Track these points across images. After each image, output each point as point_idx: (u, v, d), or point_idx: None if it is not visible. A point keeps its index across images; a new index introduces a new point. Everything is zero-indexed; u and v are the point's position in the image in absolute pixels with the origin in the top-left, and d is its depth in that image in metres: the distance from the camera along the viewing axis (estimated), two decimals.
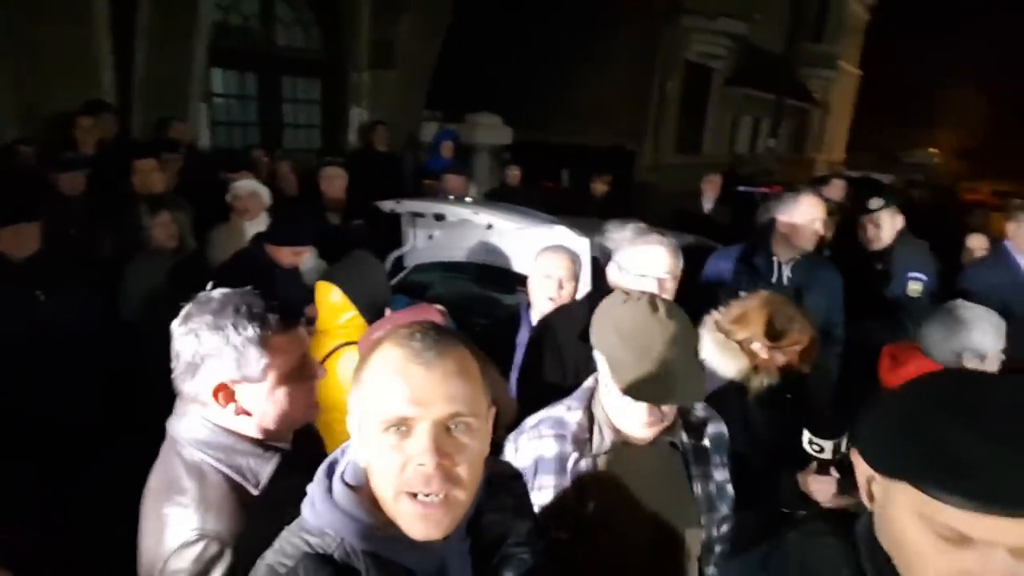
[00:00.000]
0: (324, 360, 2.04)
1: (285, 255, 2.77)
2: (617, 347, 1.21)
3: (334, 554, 0.81)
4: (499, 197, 5.79)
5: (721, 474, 1.34)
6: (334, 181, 3.89)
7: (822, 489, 1.54)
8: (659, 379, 1.16)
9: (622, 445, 1.26)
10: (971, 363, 1.94)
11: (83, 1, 4.76)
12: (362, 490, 0.85)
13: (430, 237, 3.40)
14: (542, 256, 2.23)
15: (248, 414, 1.12)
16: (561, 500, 1.23)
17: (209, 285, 1.16)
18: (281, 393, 1.13)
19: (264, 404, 1.12)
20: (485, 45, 9.52)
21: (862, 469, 0.75)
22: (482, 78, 9.36)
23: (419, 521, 0.80)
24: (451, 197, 3.96)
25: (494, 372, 1.65)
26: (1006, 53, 32.15)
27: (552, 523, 1.20)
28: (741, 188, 8.56)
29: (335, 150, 6.39)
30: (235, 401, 1.11)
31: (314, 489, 0.86)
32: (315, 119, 6.76)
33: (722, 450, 1.36)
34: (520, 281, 2.67)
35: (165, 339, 1.12)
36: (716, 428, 1.37)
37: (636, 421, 1.22)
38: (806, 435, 1.55)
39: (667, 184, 12.20)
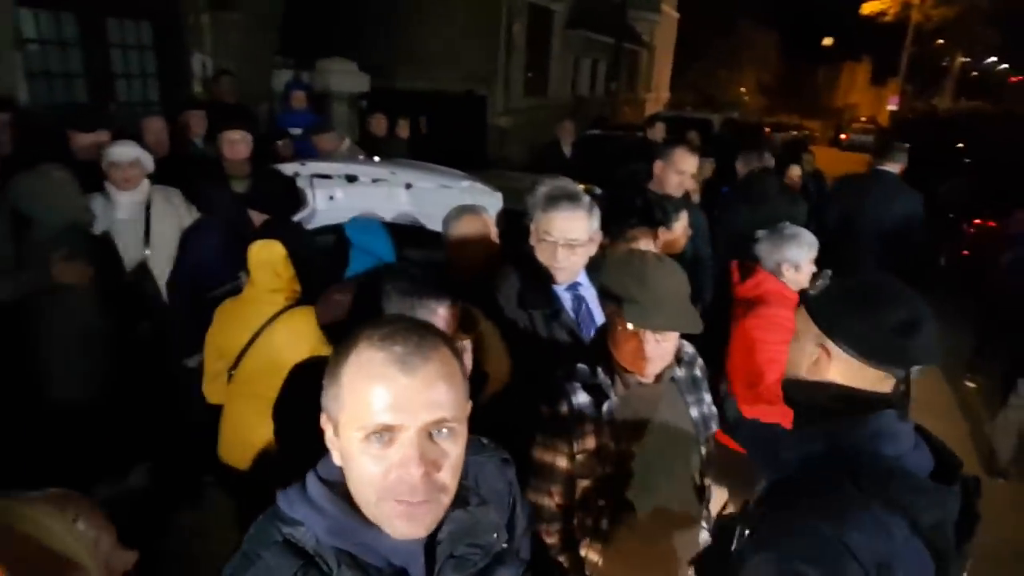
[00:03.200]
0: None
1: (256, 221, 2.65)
2: (638, 293, 1.45)
3: (305, 546, 0.81)
4: (365, 147, 5.70)
5: (708, 397, 1.67)
6: (237, 145, 3.48)
7: None
8: (675, 313, 1.45)
9: (637, 385, 1.52)
10: (789, 272, 2.49)
11: None
12: (337, 487, 0.85)
13: (331, 198, 3.37)
14: (555, 217, 1.99)
15: None
16: (601, 440, 1.48)
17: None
18: None
19: None
20: None
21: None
22: (331, 21, 8.89)
23: (403, 520, 0.80)
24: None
25: (493, 335, 1.76)
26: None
27: (597, 462, 1.46)
28: (593, 132, 9.04)
29: (176, 102, 5.87)
30: None
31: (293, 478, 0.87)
32: (150, 68, 6.11)
33: (706, 378, 1.68)
34: (434, 240, 2.73)
35: None
36: (701, 361, 1.68)
37: (649, 363, 1.47)
38: None
39: (519, 128, 12.55)
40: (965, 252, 6.87)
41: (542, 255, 2.04)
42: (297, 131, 5.24)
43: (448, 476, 0.82)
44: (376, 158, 4.13)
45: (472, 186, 2.95)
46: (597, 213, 2.07)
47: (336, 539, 0.82)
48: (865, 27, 33.51)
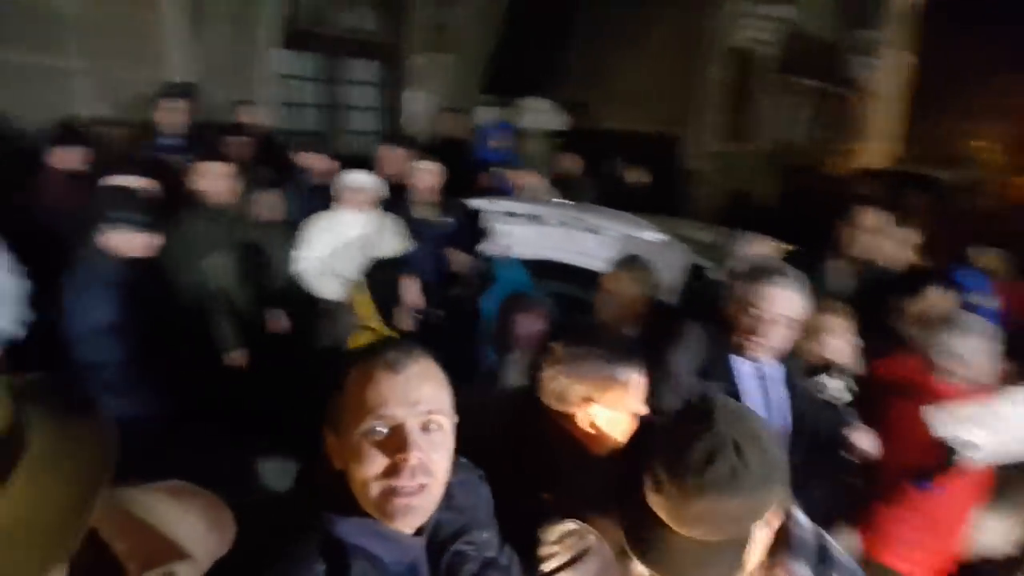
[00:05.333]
0: None
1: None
2: None
3: (324, 544, 0.91)
4: (557, 186, 5.79)
5: None
6: (429, 176, 3.77)
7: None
8: None
9: None
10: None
11: None
12: (342, 489, 0.93)
13: (514, 236, 3.44)
14: (768, 291, 1.83)
15: None
16: None
17: None
18: None
19: None
20: (534, 28, 9.45)
21: None
22: (536, 62, 9.31)
23: (399, 512, 0.90)
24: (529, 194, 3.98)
25: None
26: None
27: None
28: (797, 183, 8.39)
29: (403, 134, 6.44)
30: None
31: (305, 485, 0.98)
32: (373, 102, 6.80)
33: None
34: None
35: None
36: None
37: None
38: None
39: (713, 173, 12.08)
40: None
41: (740, 326, 1.87)
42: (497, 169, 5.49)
43: (439, 465, 0.93)
44: (563, 200, 4.17)
45: (659, 239, 2.84)
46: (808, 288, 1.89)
47: (351, 537, 0.92)
48: None
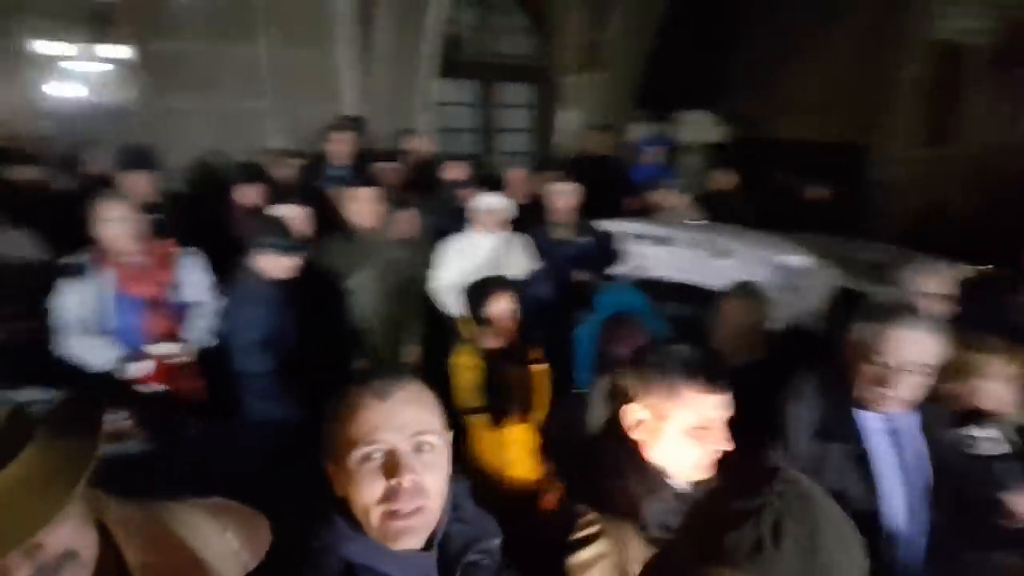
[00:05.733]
0: None
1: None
2: None
3: (335, 568, 0.94)
4: (711, 201, 5.52)
5: None
6: (562, 196, 3.82)
7: None
8: None
9: None
10: None
11: (327, 26, 5.44)
12: (348, 513, 0.96)
13: (643, 255, 3.36)
14: (894, 335, 1.60)
15: None
16: None
17: None
18: None
19: None
20: (694, 38, 9.13)
21: None
22: (692, 75, 9.00)
23: (399, 535, 0.93)
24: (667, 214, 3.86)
25: None
26: None
27: None
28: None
29: (547, 154, 6.58)
30: None
31: (314, 509, 1.00)
32: (526, 123, 7.00)
33: None
34: None
35: None
36: None
37: None
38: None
39: (907, 184, 10.75)
40: None
41: (864, 375, 1.65)
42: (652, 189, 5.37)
43: (434, 484, 0.95)
44: (707, 218, 3.98)
45: (801, 262, 2.59)
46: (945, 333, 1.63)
47: (361, 558, 0.95)
48: None
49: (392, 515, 0.93)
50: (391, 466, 0.92)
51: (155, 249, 2.82)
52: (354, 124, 5.03)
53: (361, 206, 3.50)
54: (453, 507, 1.03)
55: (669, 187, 4.91)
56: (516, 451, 2.42)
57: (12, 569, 0.75)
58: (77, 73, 5.04)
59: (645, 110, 7.33)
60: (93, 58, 5.05)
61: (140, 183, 3.61)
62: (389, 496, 0.92)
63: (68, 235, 2.81)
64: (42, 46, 4.86)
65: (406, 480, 0.92)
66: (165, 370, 2.73)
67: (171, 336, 2.79)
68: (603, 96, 6.87)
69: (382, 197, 3.62)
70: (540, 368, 2.47)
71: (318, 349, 3.09)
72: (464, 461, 2.56)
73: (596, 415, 2.04)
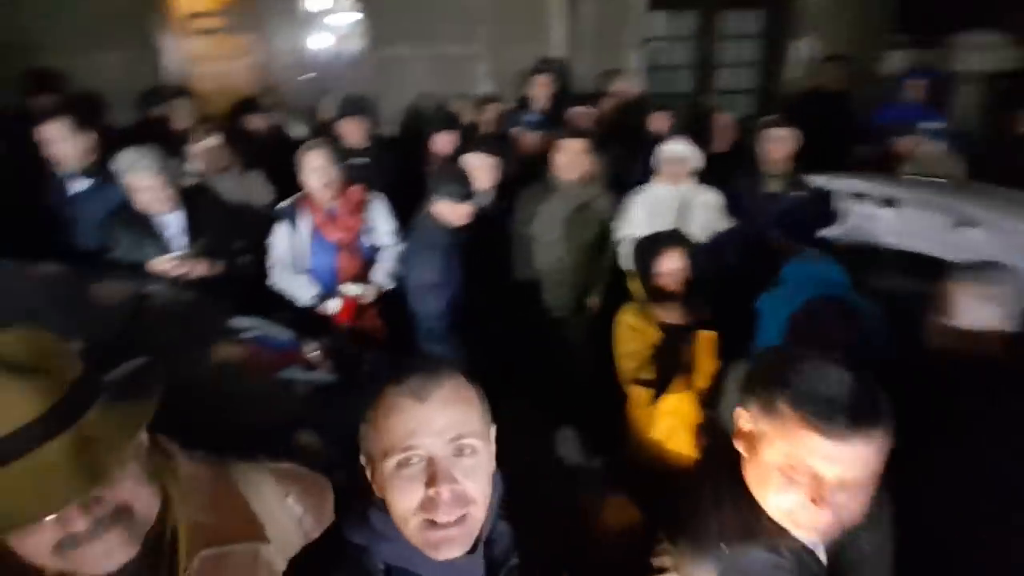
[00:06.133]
0: None
1: None
2: None
3: (372, 570, 0.91)
4: (996, 145, 4.42)
5: None
6: (781, 142, 3.43)
7: None
8: None
9: None
10: None
11: None
12: (387, 514, 0.91)
13: (868, 219, 2.80)
14: None
15: None
16: None
17: None
18: None
19: None
20: None
21: None
22: None
23: (440, 545, 0.87)
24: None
25: None
26: None
27: None
28: None
29: (773, 90, 5.83)
30: None
31: (355, 506, 0.95)
32: (752, 57, 6.23)
33: None
34: None
35: None
36: None
37: None
38: None
39: None
40: None
41: None
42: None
43: (476, 490, 0.88)
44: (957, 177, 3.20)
45: None
46: None
47: (401, 562, 0.91)
48: None
49: (431, 525, 0.87)
50: (430, 475, 0.86)
51: (349, 195, 3.04)
52: (554, 66, 4.88)
53: (569, 158, 3.34)
54: (502, 505, 0.97)
55: (927, 131, 4.01)
56: (672, 423, 2.21)
57: (70, 520, 0.83)
58: (329, 26, 5.61)
59: (905, 35, 6.05)
60: (344, 9, 5.56)
61: (353, 129, 3.91)
62: (428, 506, 0.86)
63: (295, 179, 3.11)
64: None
65: (445, 491, 0.86)
66: (353, 308, 2.98)
67: (360, 277, 3.02)
68: (851, 19, 5.83)
69: (590, 148, 3.43)
70: (707, 334, 2.20)
71: (492, 296, 3.15)
72: (622, 430, 2.44)
73: (727, 407, 1.77)
